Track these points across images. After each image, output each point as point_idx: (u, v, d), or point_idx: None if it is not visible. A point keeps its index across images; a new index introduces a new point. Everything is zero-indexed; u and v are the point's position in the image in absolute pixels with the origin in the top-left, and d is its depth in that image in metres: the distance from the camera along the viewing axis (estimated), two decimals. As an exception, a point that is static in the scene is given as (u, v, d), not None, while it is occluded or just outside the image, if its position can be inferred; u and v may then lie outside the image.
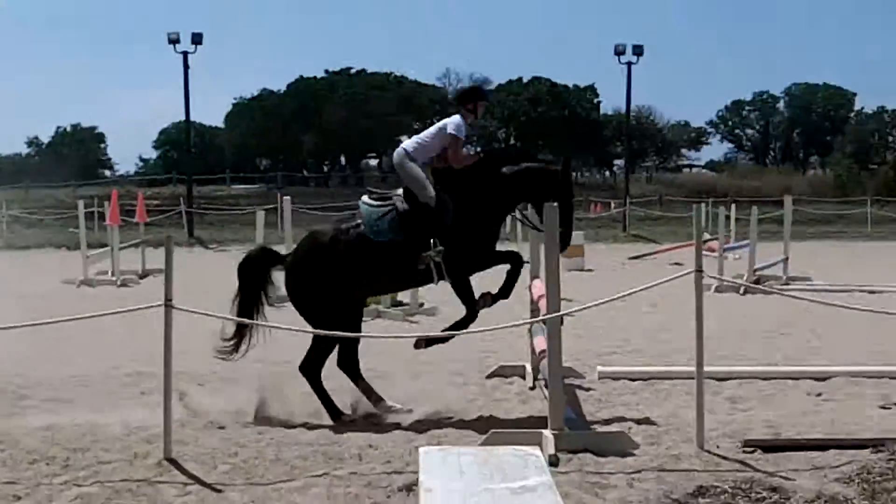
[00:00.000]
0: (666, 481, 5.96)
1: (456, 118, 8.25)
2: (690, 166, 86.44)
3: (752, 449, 6.68)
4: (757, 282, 18.64)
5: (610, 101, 77.11)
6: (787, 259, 20.66)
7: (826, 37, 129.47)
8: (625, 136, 58.67)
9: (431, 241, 7.82)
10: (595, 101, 77.69)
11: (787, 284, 19.53)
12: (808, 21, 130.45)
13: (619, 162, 72.16)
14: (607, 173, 79.30)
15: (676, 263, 23.12)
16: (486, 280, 8.37)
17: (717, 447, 6.72)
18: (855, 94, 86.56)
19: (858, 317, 12.38)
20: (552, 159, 8.59)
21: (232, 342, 8.38)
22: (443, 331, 8.42)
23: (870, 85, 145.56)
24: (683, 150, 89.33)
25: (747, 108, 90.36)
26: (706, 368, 7.21)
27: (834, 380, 9.31)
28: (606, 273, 24.01)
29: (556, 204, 7.05)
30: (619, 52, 49.98)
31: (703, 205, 34.97)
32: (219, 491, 5.93)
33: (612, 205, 51.98)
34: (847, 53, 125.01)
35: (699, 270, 6.71)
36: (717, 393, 8.80)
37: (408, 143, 8.42)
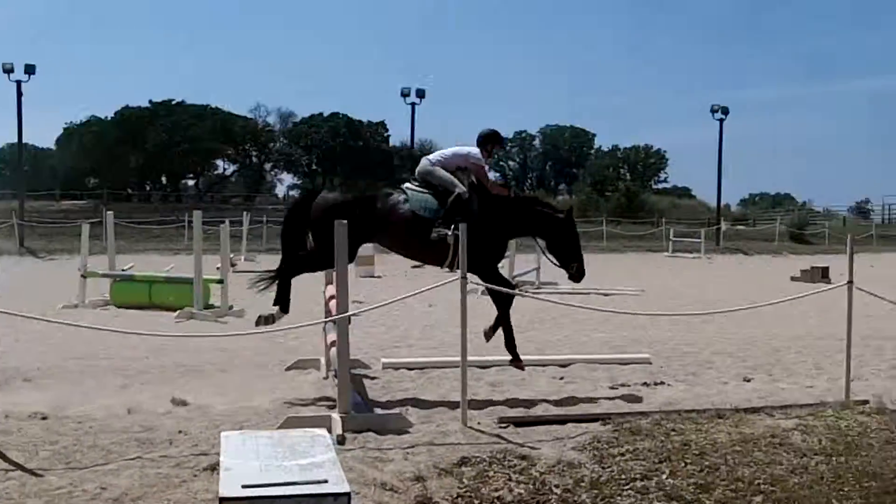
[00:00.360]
0: (435, 454, 6.00)
1: (475, 150, 8.43)
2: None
3: (507, 425, 6.82)
4: (514, 287, 19.09)
5: (398, 135, 77.46)
6: (538, 268, 21.29)
7: (571, 86, 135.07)
8: (410, 165, 59.21)
9: (453, 223, 7.90)
10: (385, 134, 78.00)
11: (539, 288, 20.15)
12: (556, 74, 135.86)
13: (405, 185, 72.62)
14: (395, 195, 79.47)
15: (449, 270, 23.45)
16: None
17: (479, 424, 6.82)
18: (595, 135, 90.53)
19: (593, 314, 12.94)
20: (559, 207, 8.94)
21: (265, 280, 8.39)
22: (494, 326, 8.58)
23: (606, 128, 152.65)
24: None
25: (509, 144, 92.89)
26: (471, 358, 7.34)
27: (573, 366, 9.64)
28: (393, 279, 24.13)
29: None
30: (404, 94, 50.51)
31: (472, 223, 35.62)
32: (39, 476, 5.56)
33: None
34: (589, 101, 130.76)
35: (464, 277, 6.82)
36: (479, 378, 8.95)
37: (431, 156, 8.56)
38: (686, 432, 6.45)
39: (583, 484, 5.41)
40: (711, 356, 10.63)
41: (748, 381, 9.23)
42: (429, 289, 8.01)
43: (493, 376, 9.15)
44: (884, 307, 9.37)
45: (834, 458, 6.03)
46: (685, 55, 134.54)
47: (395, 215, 8.08)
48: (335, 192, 8.43)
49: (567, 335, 12.65)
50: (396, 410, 7.27)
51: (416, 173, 8.47)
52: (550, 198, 78.14)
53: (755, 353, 10.91)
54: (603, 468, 5.68)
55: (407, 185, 8.45)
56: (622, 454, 5.94)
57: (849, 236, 8.33)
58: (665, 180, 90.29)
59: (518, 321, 14.03)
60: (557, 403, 7.85)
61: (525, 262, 22.55)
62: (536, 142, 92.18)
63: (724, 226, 51.90)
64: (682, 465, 5.75)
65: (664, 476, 5.55)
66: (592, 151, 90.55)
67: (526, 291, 18.74)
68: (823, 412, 7.20)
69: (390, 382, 8.92)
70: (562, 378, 9.17)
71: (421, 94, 50.28)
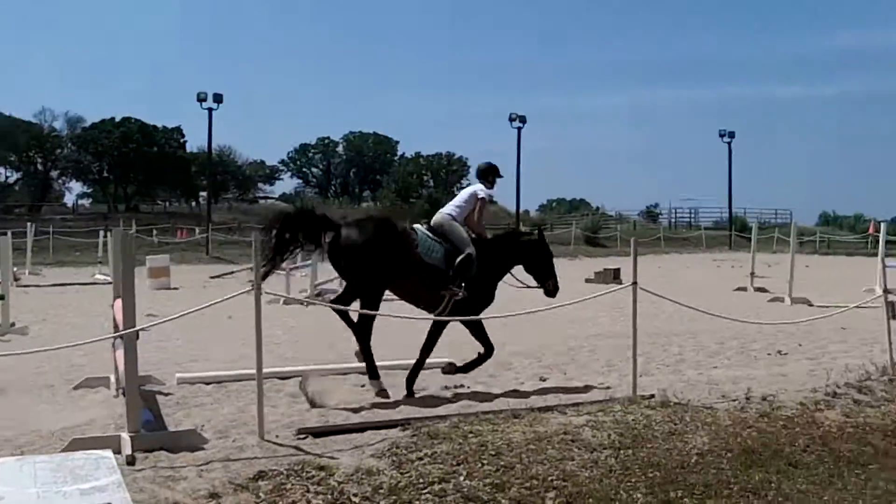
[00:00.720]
0: (231, 469, 5.87)
1: (481, 186, 9.35)
2: (266, 198, 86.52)
3: (305, 436, 6.78)
4: (318, 295, 18.96)
5: (196, 141, 75.36)
6: (342, 275, 21.26)
7: (374, 93, 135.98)
8: (208, 172, 57.78)
9: (463, 283, 8.57)
10: (182, 140, 75.80)
11: (343, 296, 20.08)
12: (359, 80, 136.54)
13: (204, 193, 70.89)
14: (193, 203, 77.40)
15: (251, 281, 23.00)
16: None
17: (277, 437, 6.73)
18: (398, 142, 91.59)
19: (396, 320, 13.04)
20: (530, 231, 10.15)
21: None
22: (464, 364, 9.18)
23: (409, 135, 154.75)
24: (260, 184, 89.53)
25: (312, 150, 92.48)
26: (271, 370, 7.22)
27: (375, 373, 9.66)
28: (190, 291, 23.43)
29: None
30: (201, 98, 49.18)
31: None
32: None
33: (197, 231, 50.86)
34: (391, 108, 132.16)
35: (258, 288, 6.72)
36: (280, 390, 8.83)
37: (450, 209, 9.07)
38: (483, 433, 6.61)
39: (381, 491, 5.43)
40: (509, 357, 10.93)
41: (544, 380, 9.60)
42: (226, 299, 7.80)
43: (293, 387, 9.01)
44: (670, 305, 9.94)
45: (622, 452, 6.34)
46: (485, 63, 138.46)
47: (412, 256, 8.55)
48: (354, 227, 8.55)
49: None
50: (190, 426, 7.05)
51: (434, 223, 8.98)
52: (355, 206, 78.51)
53: (551, 353, 11.33)
54: (401, 474, 5.73)
55: (418, 226, 8.99)
56: (420, 458, 6.02)
57: (633, 240, 8.81)
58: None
59: (321, 331, 14.03)
60: (358, 411, 7.85)
61: (329, 270, 22.45)
62: (340, 148, 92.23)
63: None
64: (479, 465, 5.89)
65: (461, 478, 5.66)
66: (396, 158, 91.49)
67: (329, 300, 18.69)
68: (612, 407, 7.57)
69: (185, 398, 8.65)
70: (363, 385, 9.17)
71: (218, 98, 49.13)
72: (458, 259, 8.63)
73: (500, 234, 9.61)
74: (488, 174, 9.57)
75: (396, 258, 8.39)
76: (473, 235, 8.96)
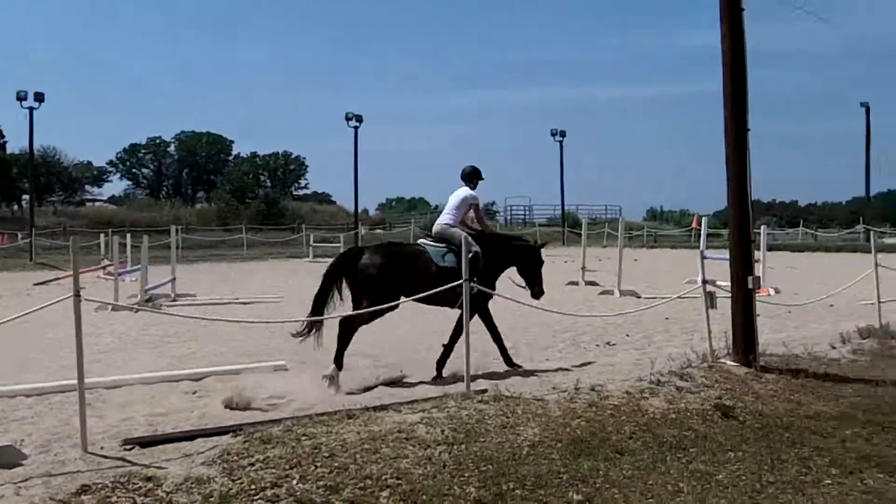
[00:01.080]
0: (52, 485, 5.61)
1: (469, 190, 10.43)
2: (94, 200, 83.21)
3: (132, 446, 6.54)
4: (148, 300, 18.39)
5: (17, 142, 71.68)
6: (174, 279, 20.73)
7: (208, 91, 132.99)
8: (30, 174, 54.92)
9: (475, 278, 9.34)
10: (1, 141, 71.96)
11: (175, 301, 19.58)
12: (191, 77, 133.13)
13: (26, 196, 67.34)
14: (15, 207, 73.38)
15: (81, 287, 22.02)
16: None
17: (102, 448, 6.48)
18: (233, 142, 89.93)
19: (231, 325, 12.81)
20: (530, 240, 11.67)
21: (304, 332, 9.53)
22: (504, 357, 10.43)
23: (245, 134, 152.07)
24: (87, 186, 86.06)
25: (143, 150, 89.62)
26: (96, 379, 6.94)
27: (207, 379, 9.46)
28: (12, 299, 22.23)
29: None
30: (21, 97, 46.63)
31: (102, 235, 33.80)
32: None
33: (20, 236, 48.40)
34: (226, 107, 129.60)
35: (77, 295, 6.44)
36: (106, 400, 8.51)
37: (445, 218, 10.26)
38: (317, 435, 6.56)
39: (212, 499, 5.32)
40: (347, 358, 10.88)
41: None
42: (45, 306, 7.45)
43: (121, 396, 8.74)
44: (503, 301, 10.14)
45: (455, 447, 6.43)
46: (323, 63, 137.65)
47: (428, 270, 9.68)
48: (375, 252, 9.80)
49: (203, 347, 12.39)
50: (8, 442, 6.70)
51: (435, 234, 10.22)
52: (188, 207, 76.49)
53: (388, 352, 11.35)
54: (233, 481, 5.62)
55: (422, 241, 10.28)
56: (252, 464, 5.92)
57: (464, 237, 8.95)
58: (305, 187, 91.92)
59: (153, 336, 13.62)
60: (188, 419, 7.67)
61: (162, 273, 21.82)
62: (171, 148, 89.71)
63: (362, 230, 53.61)
64: (313, 468, 5.85)
65: (294, 482, 5.60)
66: (231, 158, 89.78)
67: (160, 305, 18.15)
68: (446, 403, 7.66)
69: (4, 412, 8.20)
70: (195, 392, 8.98)
71: (40, 97, 46.68)
72: (468, 257, 9.24)
73: (499, 236, 10.79)
74: (472, 177, 10.51)
75: (412, 275, 9.58)
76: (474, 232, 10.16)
